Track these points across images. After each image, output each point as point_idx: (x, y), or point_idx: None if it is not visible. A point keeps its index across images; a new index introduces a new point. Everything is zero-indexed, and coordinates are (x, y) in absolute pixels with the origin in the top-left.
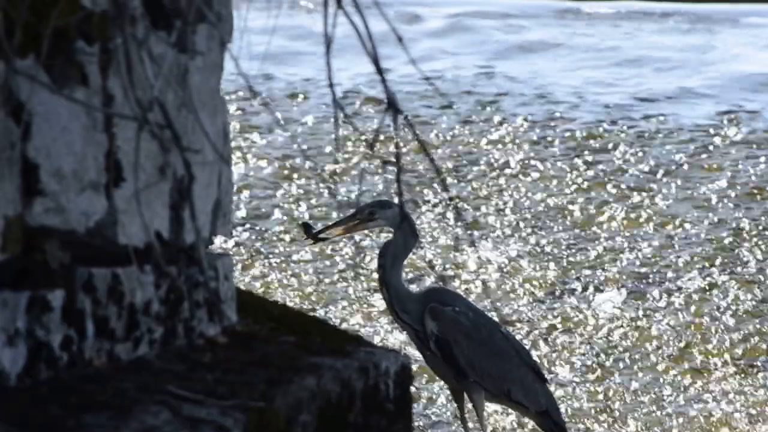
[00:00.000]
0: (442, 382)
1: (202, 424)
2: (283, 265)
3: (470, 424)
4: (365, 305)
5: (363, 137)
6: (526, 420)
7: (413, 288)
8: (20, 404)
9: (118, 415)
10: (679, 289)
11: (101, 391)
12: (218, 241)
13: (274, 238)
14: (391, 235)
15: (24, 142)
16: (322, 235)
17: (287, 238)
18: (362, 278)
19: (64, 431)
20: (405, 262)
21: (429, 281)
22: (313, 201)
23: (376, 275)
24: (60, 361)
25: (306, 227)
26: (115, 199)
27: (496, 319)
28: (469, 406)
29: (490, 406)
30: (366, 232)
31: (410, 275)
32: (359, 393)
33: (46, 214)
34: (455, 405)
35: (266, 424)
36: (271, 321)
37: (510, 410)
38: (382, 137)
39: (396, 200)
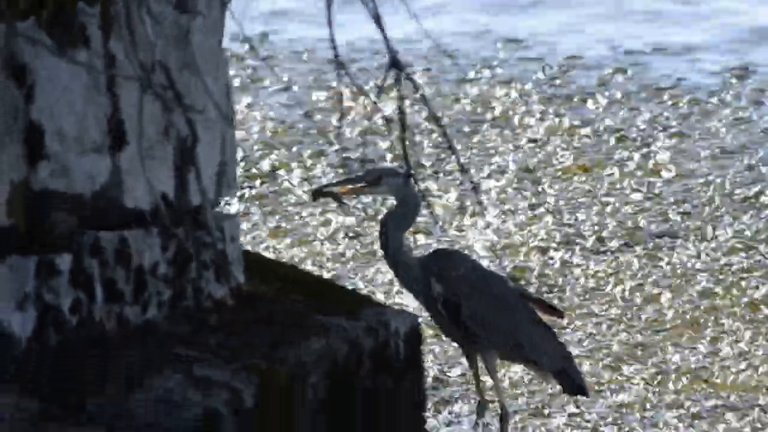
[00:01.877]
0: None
1: (213, 385)
2: (289, 226)
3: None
4: (374, 268)
5: (366, 96)
6: (545, 384)
7: (417, 252)
8: (31, 367)
9: (129, 377)
10: (688, 239)
11: (112, 353)
12: (223, 202)
13: (280, 200)
14: (394, 204)
15: (27, 105)
16: (326, 190)
17: (292, 199)
18: (370, 241)
19: (76, 394)
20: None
21: (434, 243)
22: (313, 162)
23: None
24: (69, 324)
25: (318, 193)
26: (119, 161)
27: (504, 276)
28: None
29: (509, 369)
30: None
31: (414, 238)
32: (368, 353)
33: (51, 177)
34: (468, 366)
35: (276, 384)
36: (279, 281)
37: (527, 370)
38: (385, 95)
39: (399, 161)
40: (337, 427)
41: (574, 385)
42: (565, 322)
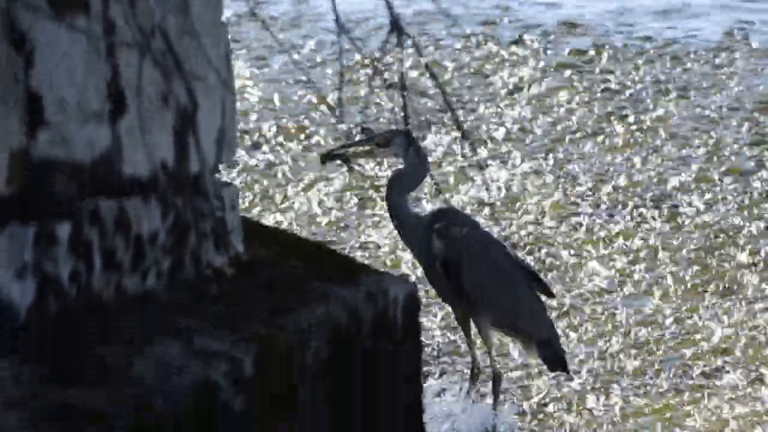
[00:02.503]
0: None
1: (212, 355)
2: (288, 192)
3: (477, 351)
4: (375, 235)
5: (367, 60)
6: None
7: (420, 211)
8: (31, 338)
9: (129, 347)
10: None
11: (111, 323)
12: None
13: (277, 170)
14: (401, 165)
15: (27, 72)
16: (335, 153)
17: (288, 164)
18: (373, 207)
19: (76, 365)
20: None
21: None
22: (315, 128)
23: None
24: (68, 294)
25: (327, 157)
26: (118, 128)
27: (504, 242)
28: (475, 331)
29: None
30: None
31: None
32: (368, 320)
33: (50, 145)
34: (462, 331)
35: (276, 352)
36: (277, 247)
37: (513, 340)
38: (387, 59)
39: (402, 125)
40: (337, 395)
41: (557, 359)
42: (554, 302)
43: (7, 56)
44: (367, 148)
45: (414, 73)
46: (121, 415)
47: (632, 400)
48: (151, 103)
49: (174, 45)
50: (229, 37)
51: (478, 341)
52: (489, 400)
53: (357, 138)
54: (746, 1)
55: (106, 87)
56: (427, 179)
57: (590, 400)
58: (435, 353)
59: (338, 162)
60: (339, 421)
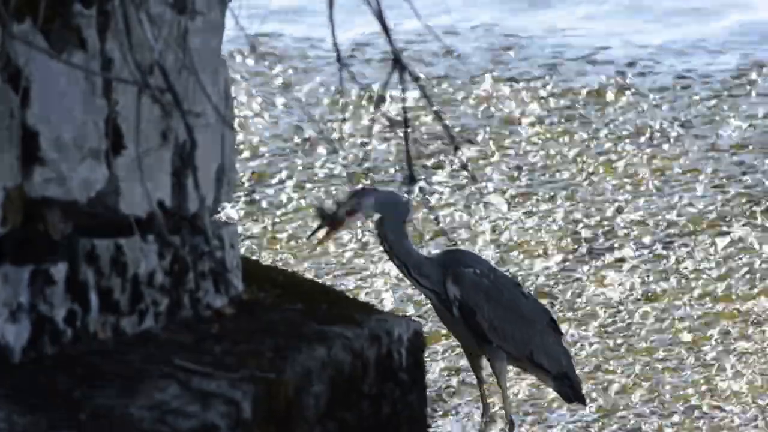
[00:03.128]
0: (455, 343)
1: (211, 397)
2: (291, 233)
3: (487, 392)
4: (377, 275)
5: (369, 96)
6: (545, 388)
7: (425, 251)
8: (25, 380)
9: (126, 389)
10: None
11: (107, 365)
12: (225, 210)
13: (280, 210)
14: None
15: (23, 109)
16: (314, 239)
17: (291, 207)
18: (372, 249)
19: (71, 407)
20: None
21: (440, 245)
22: (317, 168)
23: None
24: (64, 335)
25: (320, 212)
26: (116, 167)
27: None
28: (488, 371)
29: (511, 370)
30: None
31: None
32: (372, 362)
33: (46, 184)
34: (473, 371)
35: (276, 396)
36: (278, 289)
37: (530, 376)
38: (390, 97)
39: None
40: None
41: (572, 391)
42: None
43: (2, 92)
44: (336, 223)
45: (417, 108)
46: None
47: None
48: (149, 141)
49: (172, 81)
50: (229, 72)
51: (491, 380)
52: None
53: (327, 213)
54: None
55: (104, 124)
56: (432, 221)
57: None
58: (442, 394)
59: (325, 236)
60: None
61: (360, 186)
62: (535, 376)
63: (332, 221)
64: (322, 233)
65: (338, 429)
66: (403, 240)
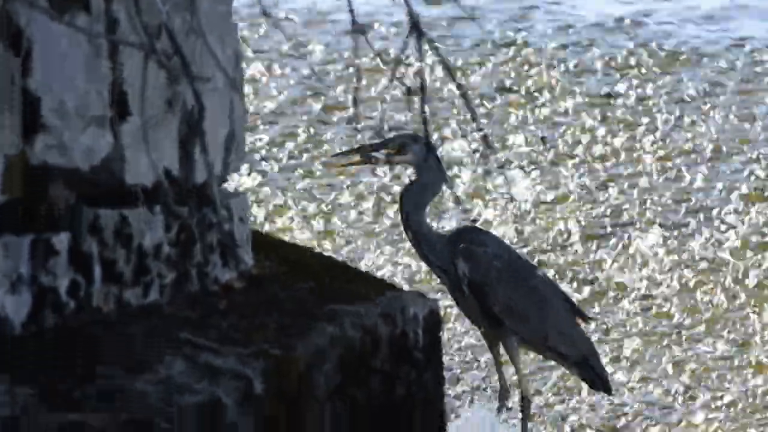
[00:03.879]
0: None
1: (219, 373)
2: (303, 202)
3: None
4: (392, 247)
5: (385, 63)
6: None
7: (441, 228)
8: (26, 353)
9: (130, 364)
10: (722, 222)
11: (111, 339)
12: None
13: (291, 174)
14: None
15: (24, 74)
16: (343, 160)
17: (301, 171)
18: (387, 220)
19: (74, 382)
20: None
21: (456, 220)
22: (331, 134)
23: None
24: (66, 308)
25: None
26: (120, 134)
27: (530, 259)
28: (503, 352)
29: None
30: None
31: (435, 212)
32: (385, 341)
33: (48, 151)
34: (489, 350)
35: (286, 372)
36: (289, 264)
37: (550, 360)
38: (406, 62)
39: (421, 133)
40: (352, 419)
41: (597, 379)
42: (592, 326)
43: (3, 56)
44: (381, 153)
45: (435, 77)
46: None
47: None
48: (155, 107)
49: (180, 45)
50: (239, 37)
51: (506, 361)
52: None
53: (373, 142)
54: None
55: (108, 90)
56: (446, 191)
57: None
58: (458, 373)
59: (353, 160)
60: None
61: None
62: (554, 361)
63: (370, 154)
64: (354, 158)
65: (349, 408)
66: (421, 212)
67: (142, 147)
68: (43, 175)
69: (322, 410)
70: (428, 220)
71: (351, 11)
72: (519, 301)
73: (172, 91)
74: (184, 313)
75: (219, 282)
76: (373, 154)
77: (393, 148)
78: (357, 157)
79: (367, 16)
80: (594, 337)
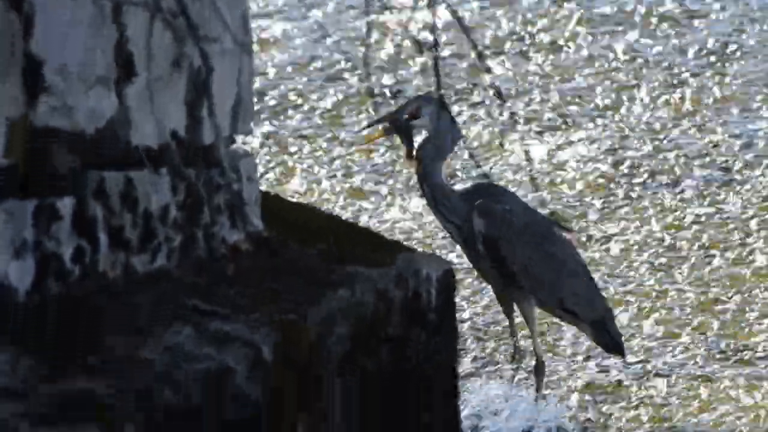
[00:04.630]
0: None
1: (228, 340)
2: (312, 163)
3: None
4: (403, 203)
5: (396, 20)
6: (582, 338)
7: (454, 185)
8: (30, 321)
9: (136, 331)
10: (747, 186)
11: (117, 306)
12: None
13: (303, 141)
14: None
15: (26, 36)
16: (365, 133)
17: (309, 131)
18: (401, 175)
19: (79, 349)
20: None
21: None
22: (342, 95)
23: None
24: (71, 274)
25: (380, 114)
26: (126, 96)
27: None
28: (518, 313)
29: (542, 316)
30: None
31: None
32: (398, 303)
33: (51, 114)
34: (503, 313)
35: (297, 339)
36: (300, 226)
37: (564, 323)
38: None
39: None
40: (363, 385)
41: (611, 341)
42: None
43: (5, 18)
44: (396, 121)
45: (449, 37)
46: (126, 406)
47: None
48: (161, 68)
49: (187, 5)
50: None
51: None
52: (533, 389)
53: (390, 111)
54: None
55: (113, 51)
56: (461, 149)
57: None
58: (467, 339)
59: (377, 134)
60: (365, 414)
61: (425, 93)
62: (569, 323)
63: (392, 121)
64: (377, 131)
65: (363, 374)
66: (437, 166)
67: (147, 108)
68: (47, 138)
69: (332, 377)
70: (444, 178)
71: None
72: (536, 261)
73: (178, 52)
74: (191, 279)
75: (227, 243)
76: (397, 118)
77: (410, 112)
78: (380, 129)
79: None
80: None
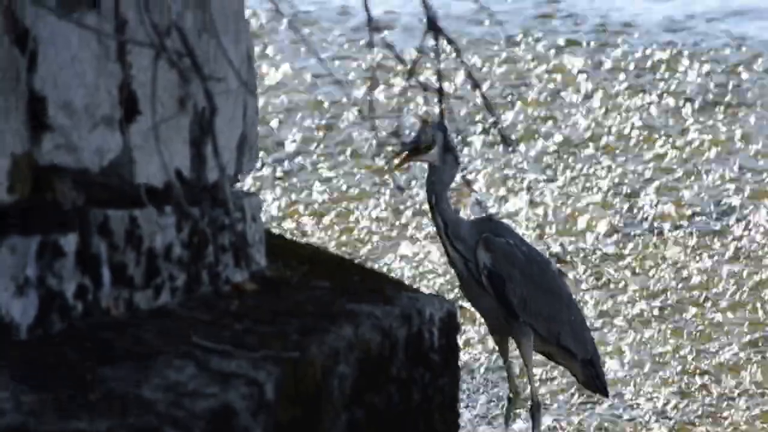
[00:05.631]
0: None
1: (231, 377)
2: (315, 206)
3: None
4: (408, 246)
5: (401, 62)
6: (569, 379)
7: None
8: (32, 358)
9: (139, 369)
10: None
11: (120, 342)
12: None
13: (305, 177)
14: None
15: (30, 72)
16: (393, 162)
17: (310, 171)
18: (403, 214)
19: (81, 387)
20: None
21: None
22: (345, 136)
23: (426, 206)
24: (74, 311)
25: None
26: (130, 134)
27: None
28: (513, 353)
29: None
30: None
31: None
32: (402, 342)
33: (56, 151)
34: (499, 353)
35: (301, 377)
36: (303, 265)
37: (556, 364)
38: (423, 62)
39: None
40: (369, 423)
41: (597, 380)
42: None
43: (8, 54)
44: (416, 151)
45: (454, 78)
46: None
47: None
48: (166, 107)
49: (191, 44)
50: (251, 35)
51: (517, 363)
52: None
53: (412, 141)
54: None
55: (117, 90)
56: (459, 181)
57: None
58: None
59: (403, 161)
60: None
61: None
62: (560, 360)
63: (414, 145)
64: (401, 156)
65: (366, 414)
66: (446, 197)
67: (152, 147)
68: (51, 176)
69: (338, 416)
70: (452, 206)
71: (367, 10)
72: (537, 296)
73: (183, 91)
74: (195, 317)
75: (231, 283)
76: (420, 142)
77: (426, 142)
78: (404, 155)
79: (385, 14)
80: None
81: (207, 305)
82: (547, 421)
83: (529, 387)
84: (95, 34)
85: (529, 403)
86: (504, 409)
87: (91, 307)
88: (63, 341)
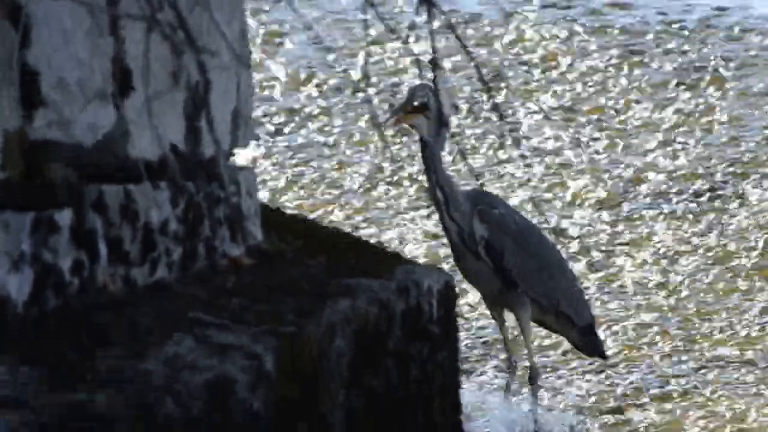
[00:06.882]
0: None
1: (230, 350)
2: (313, 175)
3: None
4: (404, 219)
5: (395, 35)
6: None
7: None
8: (29, 332)
9: (137, 342)
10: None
11: (116, 318)
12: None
13: (301, 152)
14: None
15: (23, 48)
16: (388, 124)
17: (307, 150)
18: (401, 188)
19: (78, 361)
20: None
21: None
22: (340, 108)
23: (423, 178)
24: (70, 286)
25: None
26: (124, 109)
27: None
28: (510, 322)
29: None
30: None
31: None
32: (399, 315)
33: (48, 127)
34: (496, 322)
35: (299, 350)
36: (300, 239)
37: (554, 335)
38: (417, 34)
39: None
40: (365, 395)
41: (596, 344)
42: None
43: (0, 27)
44: (411, 110)
45: (446, 51)
46: (126, 418)
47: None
48: (159, 81)
49: (185, 18)
50: (245, 8)
51: (515, 332)
52: (528, 398)
53: (409, 99)
54: None
55: (110, 64)
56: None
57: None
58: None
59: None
60: (369, 427)
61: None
62: (558, 329)
63: (408, 103)
64: (395, 118)
65: (364, 387)
66: (442, 169)
67: (146, 122)
68: (44, 152)
69: (337, 389)
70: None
71: None
72: (534, 265)
73: (176, 65)
74: (192, 291)
75: (227, 256)
76: (411, 103)
77: (420, 99)
78: (396, 117)
79: None
80: None
81: (203, 280)
82: (546, 390)
83: (527, 356)
84: (87, 7)
85: (528, 372)
86: (505, 379)
87: (87, 282)
88: (60, 316)
